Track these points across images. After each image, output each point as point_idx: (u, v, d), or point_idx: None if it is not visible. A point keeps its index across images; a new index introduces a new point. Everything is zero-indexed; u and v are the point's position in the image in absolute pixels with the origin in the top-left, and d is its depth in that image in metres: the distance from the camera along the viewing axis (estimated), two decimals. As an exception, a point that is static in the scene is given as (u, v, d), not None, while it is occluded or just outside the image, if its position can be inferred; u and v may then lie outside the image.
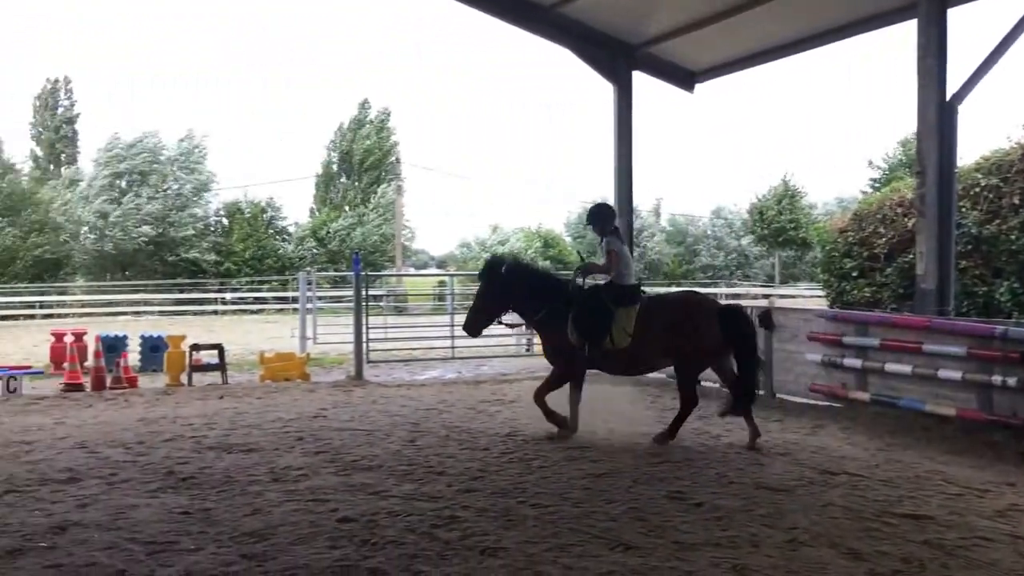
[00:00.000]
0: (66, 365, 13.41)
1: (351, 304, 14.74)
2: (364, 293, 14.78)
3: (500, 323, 9.14)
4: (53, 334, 15.87)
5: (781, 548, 5.37)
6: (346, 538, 5.49)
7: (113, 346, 13.97)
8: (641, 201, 53.70)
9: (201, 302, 41.30)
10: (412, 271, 48.20)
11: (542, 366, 16.27)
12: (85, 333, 15.26)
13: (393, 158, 52.08)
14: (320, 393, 12.51)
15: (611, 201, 14.34)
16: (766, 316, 11.31)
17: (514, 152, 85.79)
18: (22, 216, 42.90)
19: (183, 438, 8.96)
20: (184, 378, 13.34)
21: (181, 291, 42.61)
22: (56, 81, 54.82)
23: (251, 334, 25.32)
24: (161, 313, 38.26)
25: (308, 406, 11.15)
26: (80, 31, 71.44)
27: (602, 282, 9.02)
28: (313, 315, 18.39)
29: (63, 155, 54.88)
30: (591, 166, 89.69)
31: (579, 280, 8.92)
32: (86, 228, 44.95)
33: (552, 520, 5.89)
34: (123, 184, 45.63)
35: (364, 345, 14.23)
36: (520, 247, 53.57)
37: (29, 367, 14.10)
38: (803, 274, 52.01)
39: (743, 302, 15.28)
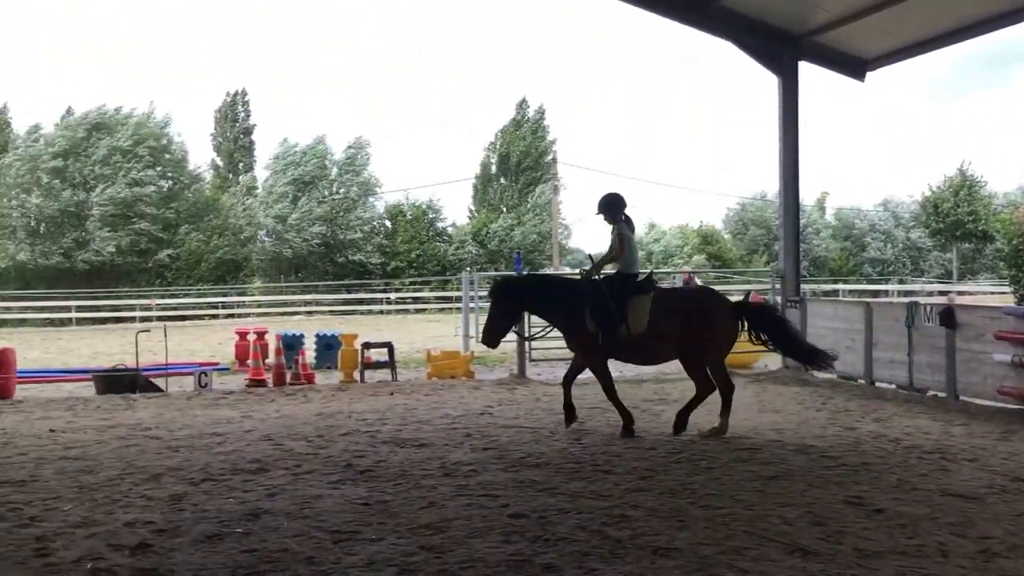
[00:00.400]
0: (250, 362, 14.26)
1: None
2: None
3: (515, 332, 10.00)
4: (237, 333, 16.91)
5: (973, 559, 5.08)
6: (518, 533, 5.60)
7: (291, 344, 14.74)
8: (804, 195, 51.77)
9: (368, 302, 42.98)
10: (567, 270, 48.41)
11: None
12: (266, 332, 16.17)
13: (549, 157, 52.43)
14: (485, 391, 12.76)
15: (774, 197, 13.95)
16: (948, 314, 10.70)
17: (668, 148, 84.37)
18: (205, 222, 45.98)
19: (359, 432, 9.37)
20: (357, 375, 13.92)
21: (348, 291, 44.46)
22: (235, 94, 58.34)
23: (415, 333, 26.17)
24: (331, 312, 40.09)
25: (474, 403, 11.42)
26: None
27: (612, 273, 9.34)
28: (476, 314, 18.78)
29: (240, 163, 58.36)
30: (748, 161, 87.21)
31: (592, 274, 9.29)
32: (263, 232, 47.59)
33: (724, 522, 5.79)
34: (295, 190, 48.01)
35: (526, 344, 14.39)
36: (676, 244, 52.87)
37: (217, 363, 15.08)
38: (984, 268, 48.82)
39: (919, 299, 14.51)
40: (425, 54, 76.08)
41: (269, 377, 13.64)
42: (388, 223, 49.89)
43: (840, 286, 45.13)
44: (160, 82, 69.19)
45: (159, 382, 13.18)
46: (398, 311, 41.54)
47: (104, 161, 43.76)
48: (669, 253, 52.10)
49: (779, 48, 14.41)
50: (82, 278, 41.90)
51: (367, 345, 14.30)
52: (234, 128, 57.62)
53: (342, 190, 47.94)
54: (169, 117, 48.41)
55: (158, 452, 8.45)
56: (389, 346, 14.33)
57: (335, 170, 48.61)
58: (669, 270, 40.98)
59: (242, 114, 58.35)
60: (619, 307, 8.82)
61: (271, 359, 14.56)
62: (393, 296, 43.65)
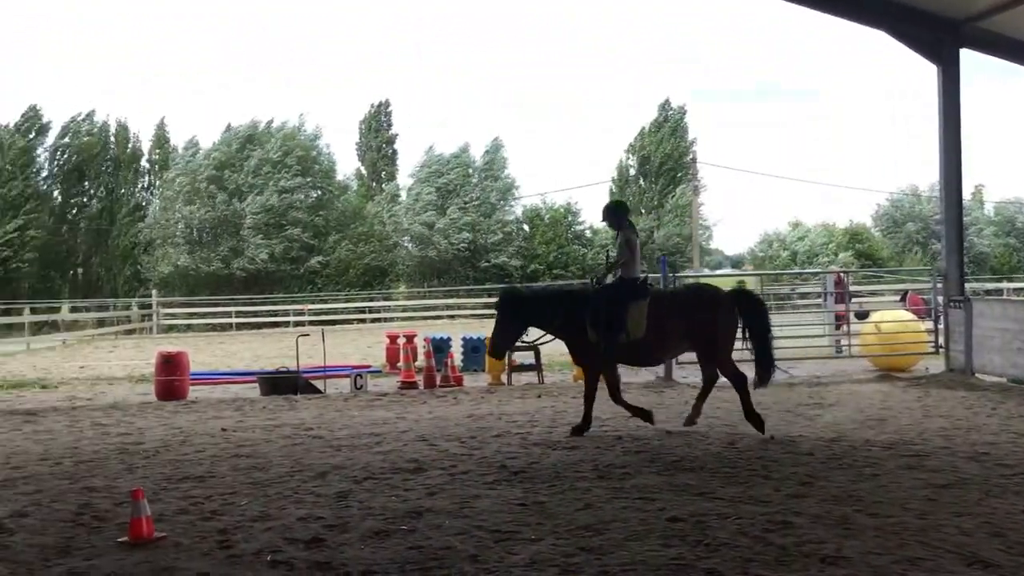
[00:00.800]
0: (401, 364, 14.69)
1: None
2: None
3: (523, 342, 10.20)
4: (387, 336, 17.45)
5: None
6: (678, 537, 5.55)
7: (440, 347, 15.09)
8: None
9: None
10: (706, 271, 47.53)
11: (857, 368, 15.54)
12: (415, 335, 16.62)
13: (688, 157, 51.63)
14: (632, 394, 12.61)
15: (927, 191, 13.30)
16: None
17: (811, 146, 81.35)
18: (352, 230, 47.68)
19: (510, 434, 9.52)
20: (504, 377, 14.12)
21: (489, 295, 45.11)
22: (379, 105, 60.23)
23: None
24: (473, 316, 40.77)
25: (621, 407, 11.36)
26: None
27: (611, 280, 9.60)
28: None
29: (383, 172, 60.17)
30: (897, 154, 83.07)
31: (600, 280, 9.72)
32: (407, 238, 48.90)
33: (895, 531, 5.57)
34: (439, 197, 49.07)
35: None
36: (821, 243, 51.04)
37: (369, 366, 15.60)
38: None
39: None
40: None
41: (420, 379, 14.02)
42: (526, 226, 50.32)
43: (1004, 285, 42.46)
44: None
45: (318, 384, 13.76)
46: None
47: (255, 171, 46.03)
48: (814, 252, 50.34)
49: (939, 36, 13.73)
50: (240, 285, 44.16)
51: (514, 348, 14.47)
52: (377, 138, 59.45)
53: (482, 194, 48.68)
54: (319, 130, 50.49)
55: (322, 451, 8.83)
56: (536, 349, 14.45)
57: (476, 175, 49.40)
58: (816, 270, 39.62)
59: (385, 124, 60.15)
60: (619, 314, 9.08)
61: (420, 362, 14.97)
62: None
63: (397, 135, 59.83)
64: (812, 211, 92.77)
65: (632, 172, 53.12)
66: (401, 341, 16.40)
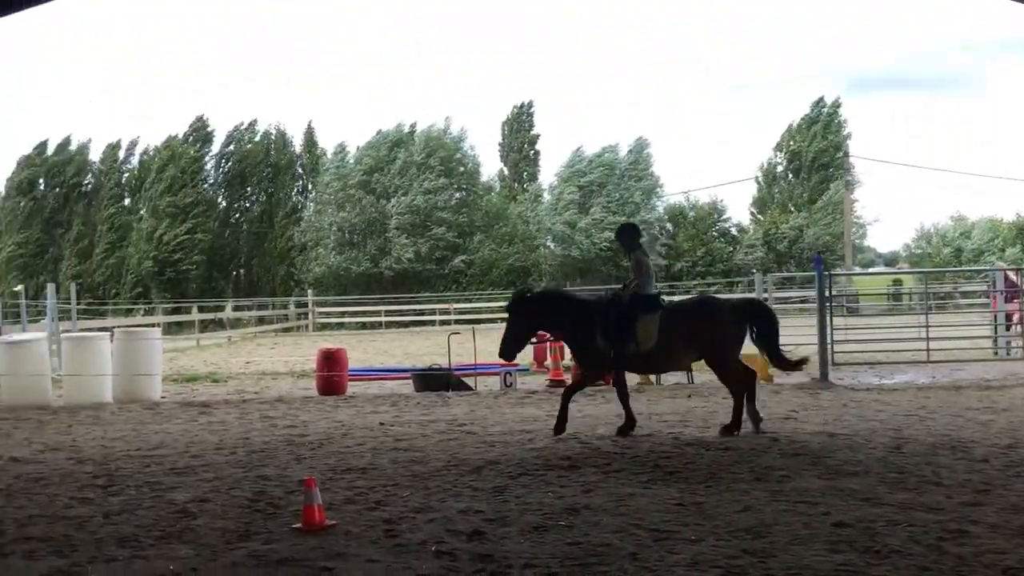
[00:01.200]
0: (549, 363, 14.80)
1: (801, 305, 14.44)
2: (828, 294, 14.37)
3: (532, 343, 10.24)
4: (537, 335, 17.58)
5: None
6: (845, 543, 5.38)
7: (587, 346, 15.10)
8: None
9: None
10: (857, 270, 45.61)
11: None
12: (562, 334, 16.67)
13: (841, 153, 49.74)
14: (785, 395, 12.38)
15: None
16: None
17: (972, 137, 76.75)
18: (495, 230, 48.40)
19: (662, 433, 9.46)
20: (652, 377, 14.01)
21: (632, 295, 44.89)
22: (522, 106, 60.83)
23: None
24: (616, 315, 40.62)
25: (776, 407, 11.10)
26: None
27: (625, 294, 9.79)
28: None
29: (525, 173, 60.74)
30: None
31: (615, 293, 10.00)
32: (550, 238, 49.23)
33: (1086, 545, 5.21)
34: (582, 197, 49.18)
35: (828, 347, 13.79)
36: (987, 239, 48.15)
37: (518, 364, 15.77)
38: None
39: None
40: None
41: (568, 378, 14.08)
42: (669, 225, 49.74)
43: None
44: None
45: (469, 381, 14.05)
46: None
47: (400, 173, 47.41)
48: (980, 249, 47.55)
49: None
50: (388, 284, 45.60)
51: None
52: (519, 138, 60.02)
53: (626, 194, 48.44)
54: (464, 132, 51.49)
55: (476, 446, 9.03)
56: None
57: (620, 174, 49.20)
58: (982, 267, 37.40)
59: (527, 125, 60.66)
60: (629, 325, 9.28)
61: (568, 360, 15.03)
62: (677, 299, 43.46)
63: (539, 135, 60.27)
64: (973, 205, 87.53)
65: (780, 169, 51.62)
66: (549, 340, 16.51)
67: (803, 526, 5.77)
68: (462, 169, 50.60)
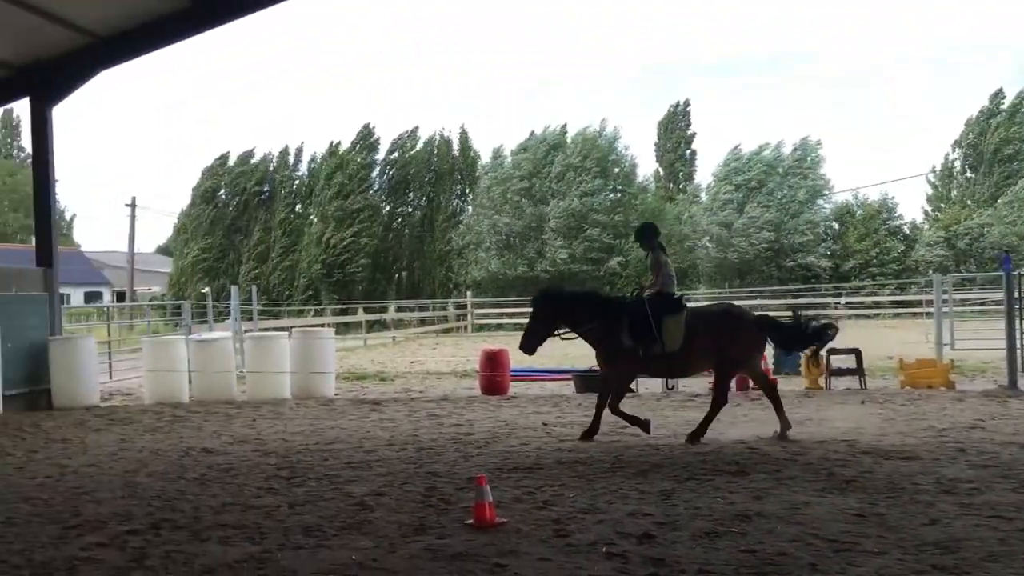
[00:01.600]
0: (712, 366, 14.49)
1: (981, 308, 13.55)
2: (1018, 295, 13.43)
3: (559, 336, 9.96)
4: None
5: None
6: (1051, 563, 5.02)
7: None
8: None
9: (815, 306, 41.48)
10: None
11: None
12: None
13: (1027, 144, 46.28)
14: (970, 403, 11.67)
15: None
16: None
17: None
18: (651, 231, 47.80)
19: (835, 440, 9.10)
20: (822, 381, 13.52)
21: (795, 296, 43.32)
22: (677, 105, 60.02)
23: (873, 339, 24.67)
24: (777, 318, 39.34)
25: (960, 416, 10.50)
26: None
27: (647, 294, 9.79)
28: (950, 319, 17.22)
29: (680, 173, 59.83)
30: None
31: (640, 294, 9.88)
32: (707, 239, 48.27)
33: None
34: (741, 196, 47.96)
35: (1018, 352, 12.89)
36: None
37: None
38: None
39: None
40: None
41: (732, 382, 13.76)
42: (835, 224, 47.74)
43: None
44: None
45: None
46: (850, 316, 39.49)
47: (559, 177, 47.70)
48: None
49: None
50: (541, 285, 46.00)
51: (833, 351, 13.82)
52: (673, 137, 59.21)
53: (789, 193, 46.85)
54: (617, 132, 51.29)
55: (640, 449, 8.97)
56: (857, 352, 13.71)
57: (782, 173, 47.66)
58: None
59: (682, 124, 59.79)
60: (656, 325, 9.31)
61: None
62: (843, 300, 41.66)
63: (695, 134, 59.28)
64: None
65: (957, 164, 48.60)
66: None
67: (998, 542, 5.43)
68: (617, 170, 50.36)
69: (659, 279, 9.76)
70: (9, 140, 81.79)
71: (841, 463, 7.95)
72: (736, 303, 11.89)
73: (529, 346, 9.83)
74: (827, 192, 47.78)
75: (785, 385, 13.95)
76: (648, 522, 6.10)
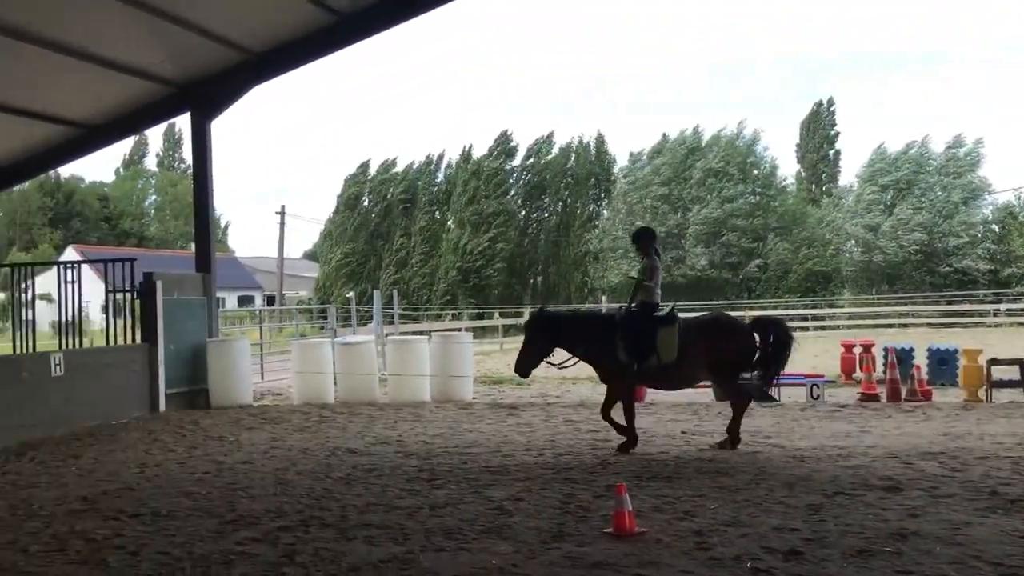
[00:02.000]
0: (860, 375, 13.95)
1: None
2: None
3: (549, 363, 9.85)
4: (842, 345, 16.68)
5: None
6: None
7: (903, 358, 14.07)
8: None
9: (972, 313, 39.24)
10: None
11: None
12: (873, 345, 15.67)
13: None
14: None
15: None
16: None
17: None
18: (792, 233, 46.44)
19: (997, 457, 8.57)
20: (982, 393, 12.76)
21: (948, 302, 41.10)
22: (820, 104, 58.07)
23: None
24: (928, 325, 37.42)
25: None
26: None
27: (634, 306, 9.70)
28: None
29: (824, 174, 57.82)
30: None
31: (631, 304, 9.79)
32: (852, 242, 46.46)
33: None
34: (888, 197, 45.98)
35: None
36: None
37: (822, 376, 15.03)
38: None
39: None
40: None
41: (881, 392, 13.18)
42: (995, 227, 45.03)
43: None
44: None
45: (772, 392, 13.54)
46: (1011, 324, 37.13)
47: (699, 183, 46.98)
48: None
49: None
50: (681, 291, 45.31)
51: (994, 361, 13.00)
52: (816, 138, 57.32)
53: (942, 194, 44.53)
54: (757, 134, 50.08)
55: (784, 461, 8.68)
56: (1021, 363, 12.86)
57: (933, 173, 45.35)
58: None
59: (826, 124, 57.83)
60: (650, 338, 9.31)
61: (878, 373, 14.11)
62: (1003, 307, 39.20)
63: (839, 134, 57.24)
64: None
65: None
66: (857, 351, 15.57)
67: None
68: (756, 172, 49.17)
69: (649, 284, 9.65)
70: (172, 152, 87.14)
71: (1005, 481, 7.46)
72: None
73: (524, 369, 9.89)
74: (987, 192, 45.14)
75: (941, 397, 13.31)
76: (795, 538, 5.89)
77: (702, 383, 11.43)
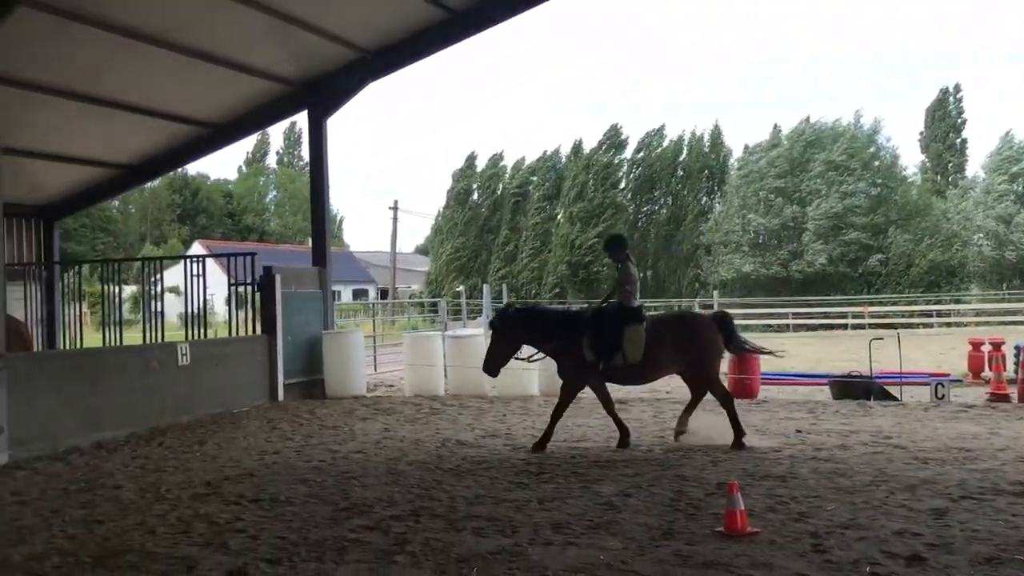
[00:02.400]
0: (990, 374, 13.28)
1: None
2: None
3: (518, 359, 9.92)
4: (970, 343, 15.94)
5: None
6: None
7: (1033, 357, 13.31)
8: None
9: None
10: None
11: None
12: (1003, 342, 14.90)
13: None
14: None
15: None
16: None
17: None
18: (914, 225, 44.55)
19: None
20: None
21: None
22: (946, 91, 55.55)
23: None
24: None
25: None
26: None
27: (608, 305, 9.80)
28: None
29: (950, 164, 55.27)
30: None
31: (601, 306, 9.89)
32: (980, 235, 44.28)
33: None
34: (1018, 187, 43.65)
35: None
36: None
37: (948, 374, 14.39)
38: None
39: None
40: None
41: (1013, 392, 12.51)
42: None
43: None
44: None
45: (893, 390, 13.07)
46: None
47: (819, 176, 45.55)
48: None
49: None
50: (796, 287, 44.08)
51: None
52: (943, 126, 54.90)
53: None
54: (878, 124, 48.26)
55: (906, 462, 8.34)
56: None
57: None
58: None
59: (953, 111, 55.35)
60: (616, 336, 9.33)
61: (1009, 372, 13.40)
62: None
63: (965, 122, 54.66)
64: None
65: None
66: (986, 349, 14.83)
67: None
68: (876, 163, 47.37)
69: (627, 290, 9.60)
70: (291, 150, 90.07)
71: None
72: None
73: (493, 367, 9.77)
74: None
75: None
76: (918, 543, 5.65)
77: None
